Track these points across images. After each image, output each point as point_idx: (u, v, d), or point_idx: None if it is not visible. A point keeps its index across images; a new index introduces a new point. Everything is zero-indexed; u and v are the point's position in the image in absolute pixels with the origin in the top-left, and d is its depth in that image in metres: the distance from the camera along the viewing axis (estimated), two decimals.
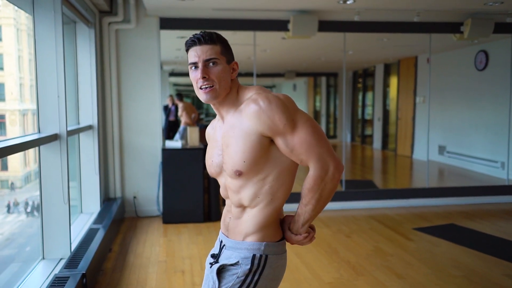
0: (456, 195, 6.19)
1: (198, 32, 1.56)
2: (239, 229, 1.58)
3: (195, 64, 1.53)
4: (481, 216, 5.54)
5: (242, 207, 1.56)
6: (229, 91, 1.56)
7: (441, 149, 7.83)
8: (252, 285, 1.54)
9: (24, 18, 4.50)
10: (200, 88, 1.53)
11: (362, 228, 5.02)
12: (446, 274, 3.70)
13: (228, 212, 1.64)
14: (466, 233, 4.87)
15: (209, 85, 1.52)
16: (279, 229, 1.59)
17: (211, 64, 1.52)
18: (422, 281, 3.56)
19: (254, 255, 1.54)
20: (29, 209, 4.30)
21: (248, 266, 1.53)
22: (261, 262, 1.54)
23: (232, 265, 1.56)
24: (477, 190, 6.28)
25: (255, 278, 1.53)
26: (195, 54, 1.52)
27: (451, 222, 5.24)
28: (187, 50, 1.56)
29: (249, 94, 1.55)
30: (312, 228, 1.61)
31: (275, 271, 1.57)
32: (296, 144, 1.47)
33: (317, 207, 1.52)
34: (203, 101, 1.55)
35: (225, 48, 1.56)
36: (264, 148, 1.49)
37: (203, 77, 1.51)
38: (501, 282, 3.55)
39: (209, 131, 1.72)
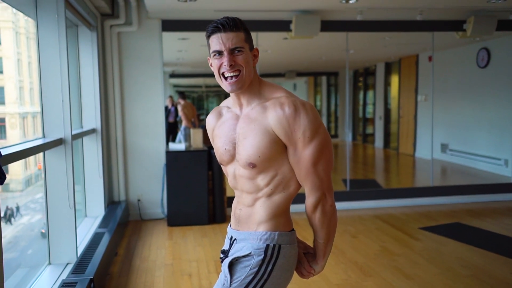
0: (461, 193, 6.17)
1: (220, 18, 1.50)
2: (251, 218, 1.56)
3: (219, 52, 1.48)
4: (486, 214, 5.53)
5: (254, 195, 1.54)
6: (252, 79, 1.53)
7: (444, 147, 7.81)
8: (266, 275, 1.50)
9: (23, 21, 4.48)
10: (225, 79, 1.50)
11: (368, 228, 5.00)
12: (454, 273, 3.68)
13: (238, 204, 1.62)
14: (472, 232, 4.85)
15: (235, 73, 1.48)
16: (290, 219, 1.59)
17: (236, 51, 1.48)
18: (430, 281, 3.54)
19: (267, 245, 1.51)
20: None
21: (261, 257, 1.50)
22: (275, 252, 1.51)
23: (244, 256, 1.52)
24: (482, 188, 6.27)
25: (269, 268, 1.50)
26: (219, 41, 1.47)
27: (457, 221, 5.23)
28: (208, 37, 1.51)
29: (277, 94, 1.52)
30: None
31: (289, 261, 1.55)
32: (301, 158, 1.47)
33: (326, 237, 1.58)
34: (228, 91, 1.52)
35: (248, 35, 1.53)
36: (280, 149, 1.49)
37: (230, 65, 1.47)
38: (510, 281, 3.54)
39: (214, 117, 1.67)
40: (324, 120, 11.64)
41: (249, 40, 1.52)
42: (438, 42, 6.48)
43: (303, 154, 1.46)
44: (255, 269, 1.50)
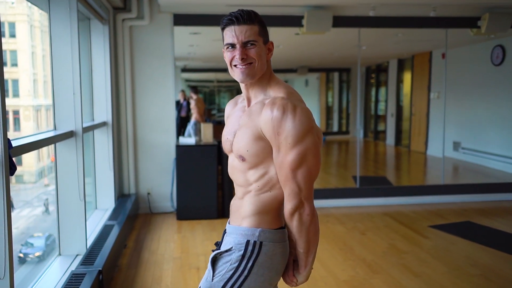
0: (472, 192, 6.11)
1: (235, 11, 1.51)
2: (239, 212, 1.56)
3: (232, 45, 1.50)
4: (497, 213, 5.47)
5: (244, 189, 1.55)
6: (264, 73, 1.53)
7: (456, 145, 7.74)
8: (246, 272, 1.49)
9: (37, 14, 4.50)
10: (236, 67, 1.50)
11: (377, 225, 4.98)
12: (463, 272, 3.65)
13: (234, 196, 1.64)
14: (482, 231, 4.81)
15: (247, 66, 1.49)
16: (278, 218, 1.54)
17: (249, 45, 1.48)
18: (439, 279, 3.52)
19: (248, 241, 1.50)
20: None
21: (241, 252, 1.50)
22: (255, 249, 1.50)
23: (226, 251, 1.53)
24: (493, 186, 6.20)
25: (249, 265, 1.49)
26: (232, 34, 1.48)
27: (467, 220, 5.18)
28: (223, 29, 1.52)
29: (278, 93, 1.51)
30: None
31: (273, 260, 1.52)
32: (282, 163, 1.44)
33: (305, 247, 1.52)
34: (238, 80, 1.52)
35: (263, 28, 1.52)
36: (268, 149, 1.48)
37: (242, 58, 1.48)
38: None
39: (231, 105, 1.71)
40: (335, 117, 11.61)
41: (263, 33, 1.52)
42: (452, 39, 6.41)
43: (285, 159, 1.44)
44: (235, 265, 1.50)
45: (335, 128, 11.63)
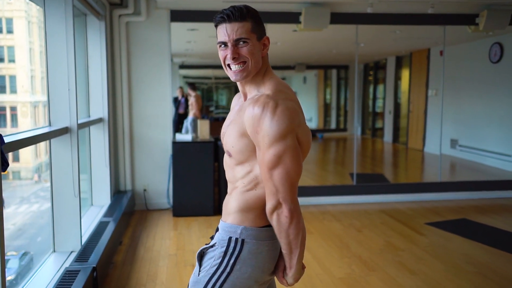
0: (469, 189, 6.11)
1: (227, 7, 1.49)
2: (226, 208, 1.56)
3: (224, 43, 1.48)
4: (494, 210, 5.47)
5: (232, 185, 1.55)
6: (259, 69, 1.52)
7: (453, 143, 7.74)
8: (228, 268, 1.48)
9: (35, 10, 4.48)
10: (230, 68, 1.49)
11: (373, 222, 4.98)
12: (459, 269, 3.65)
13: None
14: (479, 228, 4.80)
15: (240, 65, 1.47)
16: (264, 217, 1.50)
17: (241, 43, 1.46)
18: (435, 277, 3.52)
19: (230, 238, 1.50)
20: None
21: (224, 248, 1.49)
22: (237, 246, 1.49)
23: (211, 247, 1.53)
24: (490, 184, 6.20)
25: (231, 262, 1.48)
26: (224, 32, 1.47)
27: (463, 217, 5.18)
28: (216, 26, 1.50)
29: (267, 91, 1.49)
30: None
31: (257, 258, 1.49)
32: (261, 161, 1.42)
33: (287, 248, 1.48)
34: (233, 80, 1.51)
35: (256, 24, 1.49)
36: (251, 146, 1.46)
37: (234, 58, 1.46)
38: None
39: (236, 99, 1.71)
40: (333, 114, 11.59)
41: (257, 29, 1.49)
42: (450, 36, 6.39)
43: (263, 157, 1.41)
44: (218, 261, 1.49)
45: (333, 125, 11.62)
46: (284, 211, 1.42)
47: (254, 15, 1.49)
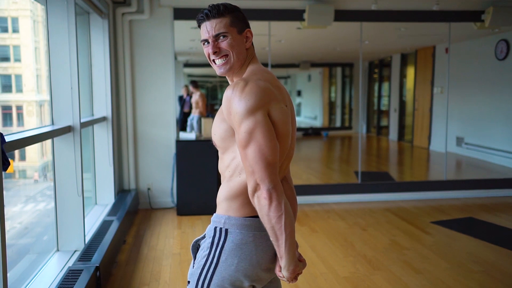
0: (475, 187, 6.06)
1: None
2: (217, 199, 1.57)
3: (206, 41, 1.53)
4: (500, 209, 5.42)
5: (222, 176, 1.55)
6: (244, 61, 1.55)
7: (459, 141, 7.69)
8: (215, 259, 1.46)
9: (40, 9, 4.49)
10: (214, 63, 1.54)
11: (378, 221, 4.94)
12: (465, 269, 3.61)
13: None
14: (485, 227, 4.76)
15: (222, 58, 1.51)
16: (247, 206, 1.47)
17: (221, 37, 1.51)
18: (440, 276, 3.48)
19: (215, 228, 1.50)
20: None
21: (211, 239, 1.50)
22: (222, 236, 1.48)
23: (202, 238, 1.55)
24: (496, 182, 6.15)
25: (217, 252, 1.47)
26: (205, 30, 1.52)
27: (469, 216, 5.14)
28: (199, 26, 1.55)
29: (243, 76, 1.52)
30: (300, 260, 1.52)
31: (243, 250, 1.45)
32: (238, 142, 1.41)
33: (272, 234, 1.41)
34: (219, 74, 1.55)
35: (235, 18, 1.53)
36: (230, 131, 1.46)
37: (214, 52, 1.51)
38: None
39: None
40: (338, 112, 11.55)
41: (236, 23, 1.52)
42: (456, 33, 6.34)
43: (237, 137, 1.41)
44: (207, 252, 1.49)
45: (338, 123, 11.59)
46: (264, 193, 1.37)
47: (232, 10, 1.53)
